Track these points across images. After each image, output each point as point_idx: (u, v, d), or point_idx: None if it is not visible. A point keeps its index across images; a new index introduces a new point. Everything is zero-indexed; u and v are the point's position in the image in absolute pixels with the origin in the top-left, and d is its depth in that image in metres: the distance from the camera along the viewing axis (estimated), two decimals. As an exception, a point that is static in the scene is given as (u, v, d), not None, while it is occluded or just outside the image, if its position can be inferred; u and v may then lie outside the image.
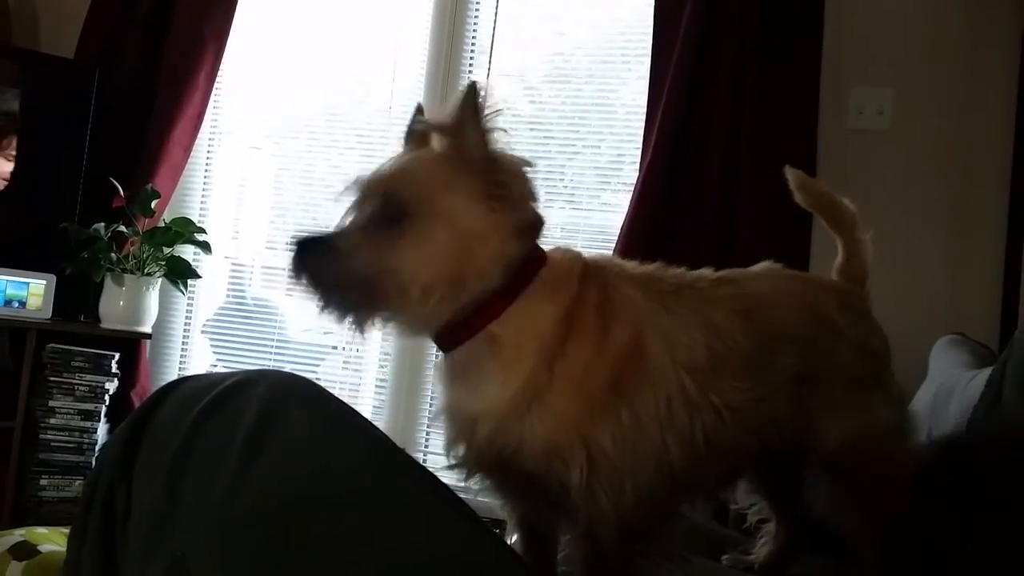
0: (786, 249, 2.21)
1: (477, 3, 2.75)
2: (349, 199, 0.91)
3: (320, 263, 0.87)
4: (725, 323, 0.98)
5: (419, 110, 1.00)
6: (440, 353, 0.96)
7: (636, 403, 0.89)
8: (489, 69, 2.71)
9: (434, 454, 2.68)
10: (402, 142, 1.00)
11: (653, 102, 2.32)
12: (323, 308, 0.89)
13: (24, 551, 1.65)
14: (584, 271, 0.95)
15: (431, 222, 0.88)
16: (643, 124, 2.38)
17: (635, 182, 2.35)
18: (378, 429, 0.75)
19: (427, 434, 2.71)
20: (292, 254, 0.87)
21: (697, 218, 2.23)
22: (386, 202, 0.89)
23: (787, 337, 1.02)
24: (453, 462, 0.94)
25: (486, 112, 0.89)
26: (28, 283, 2.49)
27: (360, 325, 0.91)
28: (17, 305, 2.48)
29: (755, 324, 1.00)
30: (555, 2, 2.75)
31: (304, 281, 0.88)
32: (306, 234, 0.89)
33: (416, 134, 0.98)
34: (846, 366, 1.05)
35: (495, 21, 2.72)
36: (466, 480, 0.97)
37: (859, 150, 2.31)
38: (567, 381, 0.88)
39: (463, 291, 0.89)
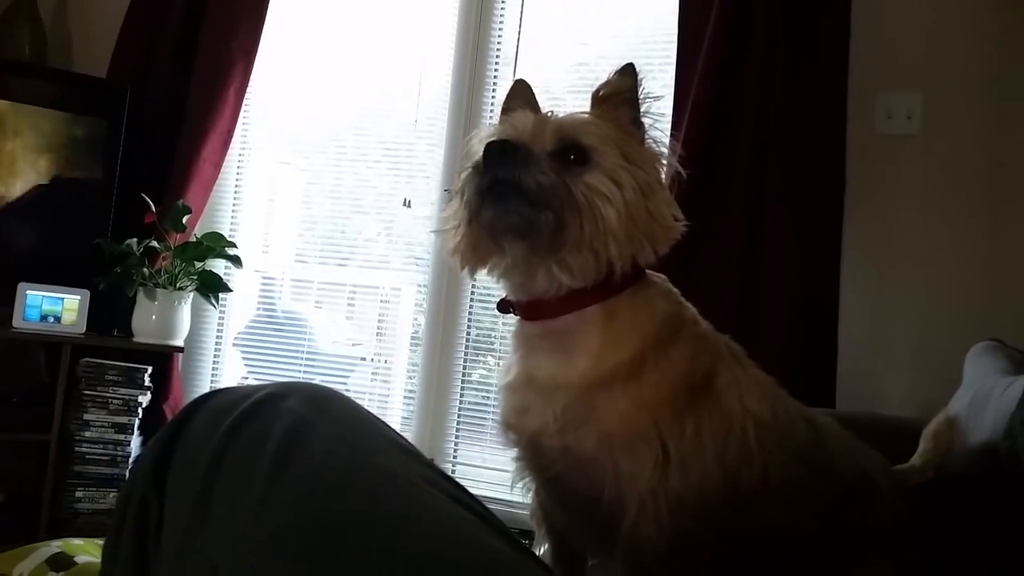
0: (817, 256, 2.20)
1: (501, 16, 2.77)
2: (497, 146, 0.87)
3: (515, 168, 0.84)
4: (791, 407, 0.97)
5: (521, 84, 1.02)
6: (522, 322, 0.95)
7: (702, 422, 0.87)
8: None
9: (463, 464, 2.68)
10: (499, 114, 1.01)
11: (678, 110, 2.31)
12: (482, 217, 0.86)
13: (61, 562, 1.67)
14: (677, 293, 0.97)
15: (617, 170, 0.87)
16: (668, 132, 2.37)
17: (661, 191, 2.33)
18: (406, 441, 0.75)
19: (456, 445, 2.71)
20: (487, 151, 0.85)
21: (724, 225, 2.21)
22: (565, 145, 0.88)
23: (837, 471, 0.98)
24: (513, 437, 0.94)
25: (641, 92, 0.92)
26: (63, 299, 2.54)
27: (500, 251, 0.88)
28: (52, 320, 2.52)
29: (819, 432, 0.98)
30: (578, 13, 2.75)
31: (486, 183, 0.85)
32: (501, 140, 0.87)
33: (510, 110, 0.98)
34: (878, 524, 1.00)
35: (519, 33, 2.73)
36: (517, 463, 0.96)
37: (888, 155, 2.28)
38: (660, 376, 0.87)
39: (635, 247, 0.87)
